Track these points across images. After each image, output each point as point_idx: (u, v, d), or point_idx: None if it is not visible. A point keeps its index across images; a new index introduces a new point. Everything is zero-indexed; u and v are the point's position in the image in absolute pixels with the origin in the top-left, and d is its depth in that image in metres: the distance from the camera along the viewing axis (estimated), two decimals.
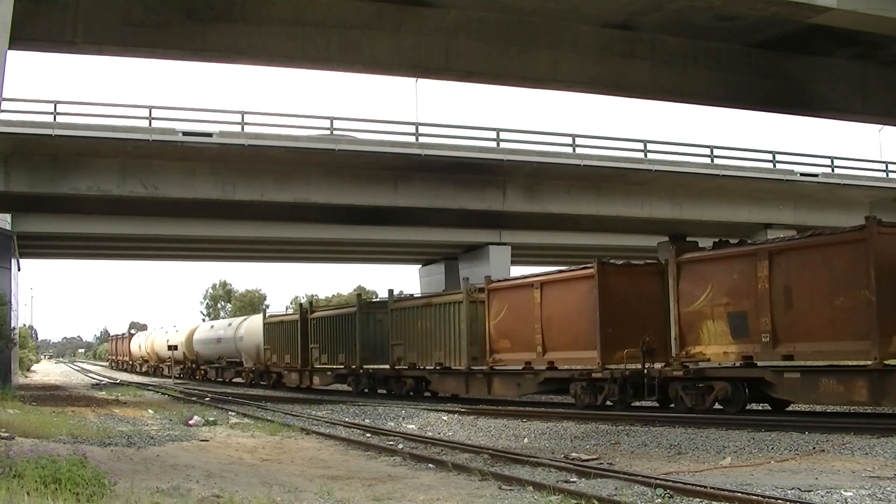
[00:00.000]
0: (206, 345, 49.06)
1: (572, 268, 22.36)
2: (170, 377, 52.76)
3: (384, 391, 29.77)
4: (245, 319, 44.74)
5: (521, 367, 23.23)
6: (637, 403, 20.59)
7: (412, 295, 31.28)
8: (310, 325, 34.74)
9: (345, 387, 32.91)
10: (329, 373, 33.12)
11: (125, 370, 76.54)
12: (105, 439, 16.75)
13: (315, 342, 34.14)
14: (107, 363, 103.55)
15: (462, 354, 25.10)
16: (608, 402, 20.37)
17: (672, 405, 19.25)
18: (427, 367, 26.96)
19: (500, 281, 25.24)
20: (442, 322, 26.15)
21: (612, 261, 21.60)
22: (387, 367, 29.01)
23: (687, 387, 18.61)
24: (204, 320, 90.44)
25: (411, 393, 27.77)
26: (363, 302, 32.26)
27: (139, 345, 67.97)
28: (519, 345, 23.11)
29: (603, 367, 20.28)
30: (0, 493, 8.55)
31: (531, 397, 25.07)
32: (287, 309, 51.17)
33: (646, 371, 19.52)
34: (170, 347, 52.71)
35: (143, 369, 66.79)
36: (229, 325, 46.62)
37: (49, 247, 44.76)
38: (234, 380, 44.87)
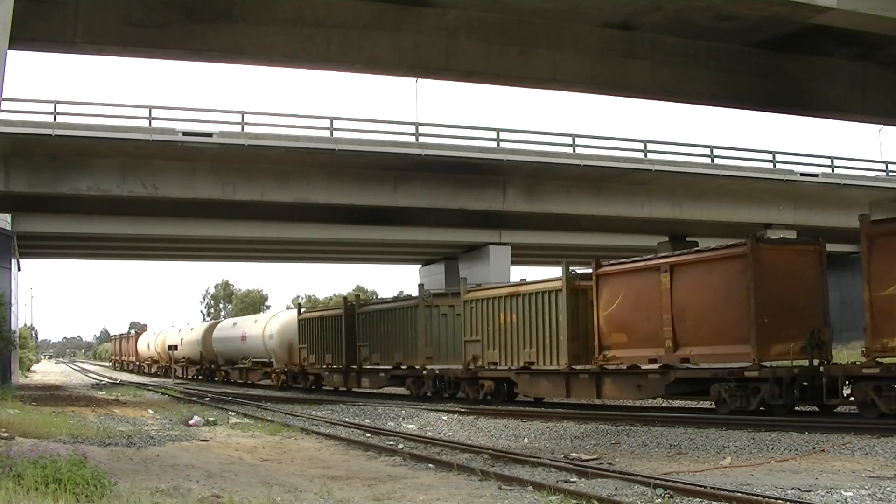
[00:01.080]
0: (227, 344, 45.03)
1: (714, 246, 19.46)
2: (183, 379, 50.47)
3: (454, 395, 26.00)
4: (275, 315, 41.05)
5: (642, 366, 19.80)
6: (800, 408, 17.91)
7: (486, 284, 27.74)
8: (357, 321, 31.19)
9: (402, 390, 29.12)
10: (382, 374, 29.33)
11: (131, 371, 72.56)
12: (105, 439, 16.75)
13: (364, 340, 30.60)
14: (109, 363, 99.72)
15: (560, 352, 21.56)
16: (761, 408, 17.12)
17: (854, 410, 16.34)
18: (512, 367, 23.42)
19: (613, 264, 21.02)
20: (533, 314, 22.58)
21: (767, 237, 19.50)
22: (457, 367, 25.53)
23: (882, 388, 15.45)
24: (204, 320, 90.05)
25: (489, 397, 24.21)
26: (427, 293, 28.42)
27: (148, 344, 64.00)
28: (639, 339, 19.53)
29: (759, 364, 16.98)
30: (0, 494, 8.55)
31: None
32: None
33: (821, 368, 16.58)
34: (169, 347, 50.99)
35: (153, 370, 63.19)
36: (255, 321, 42.71)
37: (49, 247, 44.76)
38: (260, 382, 41.31)
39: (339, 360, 32.04)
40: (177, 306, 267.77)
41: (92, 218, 35.42)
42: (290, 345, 36.94)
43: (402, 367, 28.29)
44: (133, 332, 78.49)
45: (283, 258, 53.84)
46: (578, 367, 21.32)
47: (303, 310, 37.47)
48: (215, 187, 30.57)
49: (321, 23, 20.98)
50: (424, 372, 27.00)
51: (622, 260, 21.25)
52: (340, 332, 31.98)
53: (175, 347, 51.07)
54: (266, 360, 39.78)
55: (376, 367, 29.77)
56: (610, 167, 33.48)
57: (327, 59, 21.64)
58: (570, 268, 21.95)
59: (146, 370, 65.15)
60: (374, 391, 30.89)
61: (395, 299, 31.20)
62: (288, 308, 70.63)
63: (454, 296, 27.55)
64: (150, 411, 25.12)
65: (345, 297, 33.24)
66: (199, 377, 50.06)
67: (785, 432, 14.94)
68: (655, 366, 19.28)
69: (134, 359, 71.21)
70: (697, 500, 9.65)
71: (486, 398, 24.16)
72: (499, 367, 23.96)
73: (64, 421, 20.50)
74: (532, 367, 22.74)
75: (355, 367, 31.03)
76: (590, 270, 21.24)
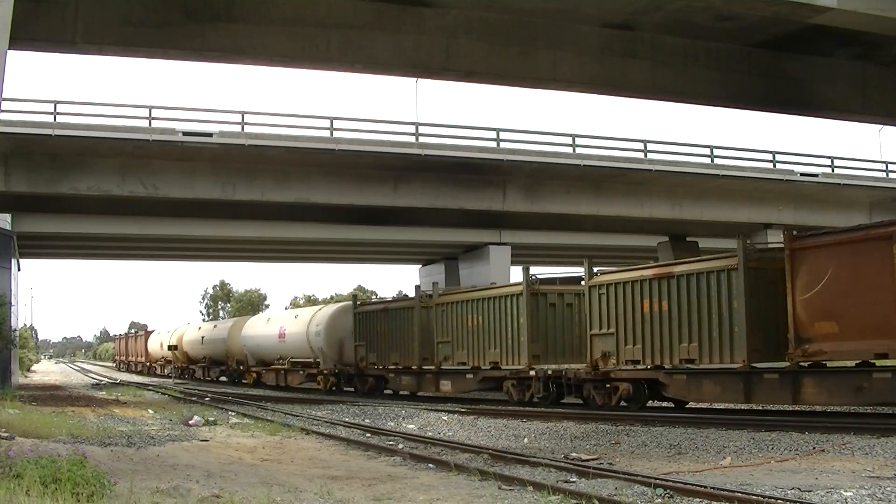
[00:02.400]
0: (260, 342, 40.02)
1: None
2: (203, 380, 47.36)
3: (574, 399, 22.33)
4: (322, 309, 36.28)
5: (865, 363, 16.09)
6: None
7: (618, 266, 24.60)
8: (436, 314, 26.78)
9: (499, 395, 25.05)
10: (469, 376, 25.28)
11: (139, 372, 67.04)
12: (105, 439, 16.75)
13: (446, 336, 26.14)
14: (113, 364, 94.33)
15: (735, 346, 17.65)
16: None
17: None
18: (663, 366, 19.39)
19: (816, 235, 17.16)
20: (694, 300, 18.65)
21: None
22: (579, 366, 21.86)
23: None
24: (204, 320, 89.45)
25: (623, 402, 20.41)
26: (533, 278, 23.86)
27: (161, 343, 58.19)
28: (859, 329, 15.74)
29: None
30: (0, 493, 8.55)
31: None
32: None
33: None
34: (187, 346, 48.12)
35: (165, 371, 57.82)
36: (296, 316, 38.01)
37: (49, 247, 44.76)
38: (301, 385, 36.57)
39: (410, 359, 28.00)
40: (177, 306, 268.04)
41: (92, 218, 35.42)
42: (340, 342, 32.79)
43: (500, 367, 24.08)
44: (142, 330, 71.47)
45: (283, 258, 53.84)
46: (762, 364, 17.42)
47: (359, 301, 33.59)
48: (215, 187, 30.57)
49: (321, 23, 21.00)
50: (532, 373, 22.69)
51: (827, 229, 17.92)
52: (411, 327, 28.09)
53: (195, 347, 47.81)
54: (310, 360, 35.10)
55: (461, 367, 25.51)
56: (610, 167, 33.48)
57: (327, 59, 21.65)
58: (748, 241, 18.61)
59: (158, 371, 60.21)
60: (460, 395, 26.65)
61: (487, 287, 26.38)
62: (330, 301, 66.53)
63: (567, 281, 24.25)
64: (150, 411, 25.12)
65: (417, 286, 28.75)
66: (224, 379, 45.65)
67: (785, 432, 14.95)
68: (888, 362, 15.63)
69: (143, 359, 65.83)
70: (697, 500, 9.65)
71: (620, 404, 20.36)
72: (639, 367, 19.99)
73: (64, 421, 20.50)
74: (692, 366, 18.74)
75: (432, 367, 26.73)
76: (773, 245, 18.22)
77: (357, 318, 31.81)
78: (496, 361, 24.12)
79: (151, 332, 65.64)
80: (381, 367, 29.90)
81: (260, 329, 40.75)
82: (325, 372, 33.61)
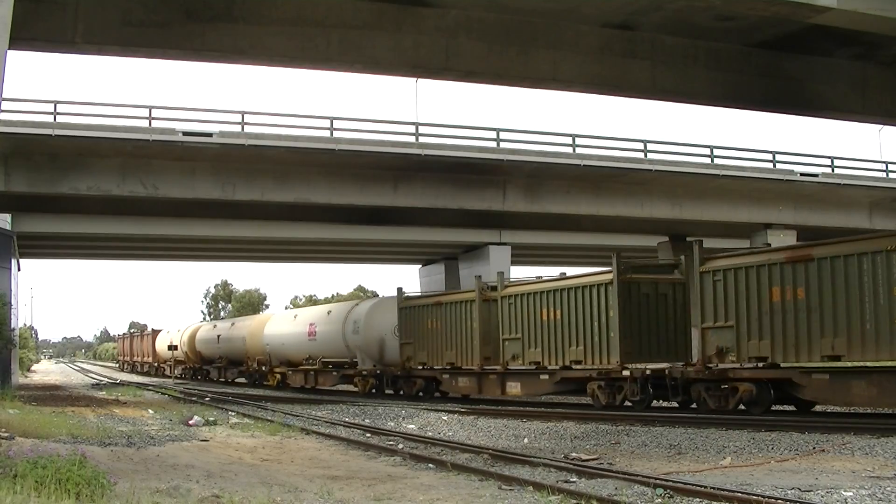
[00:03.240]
0: (286, 340, 37.10)
1: None
2: (219, 381, 45.16)
3: (667, 402, 20.15)
4: (359, 304, 33.35)
5: None
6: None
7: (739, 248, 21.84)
8: (501, 308, 24.03)
9: (581, 398, 22.66)
10: (545, 377, 22.51)
11: (145, 373, 64.61)
12: (105, 439, 16.74)
13: (514, 332, 23.40)
14: (116, 365, 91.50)
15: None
16: None
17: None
18: (799, 364, 16.85)
19: None
20: (837, 287, 16.02)
21: None
22: (674, 365, 19.43)
23: None
24: (205, 320, 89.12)
25: (742, 405, 17.98)
26: (624, 265, 20.83)
27: (170, 342, 55.34)
28: None
29: None
30: (0, 494, 8.55)
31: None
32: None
33: None
34: (201, 345, 46.07)
35: (176, 372, 54.85)
36: (329, 312, 34.81)
37: (49, 247, 44.76)
38: (334, 387, 34.01)
39: (469, 358, 25.30)
40: (177, 306, 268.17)
41: (92, 218, 35.42)
42: (381, 340, 30.00)
43: (583, 367, 21.37)
44: (144, 329, 67.36)
45: (283, 258, 53.81)
46: None
47: (405, 294, 29.80)
48: (215, 187, 30.56)
49: (321, 23, 21.00)
50: (625, 373, 20.02)
51: None
52: (470, 323, 25.34)
53: (209, 346, 45.43)
54: (345, 360, 32.20)
55: (534, 367, 22.91)
56: (610, 167, 33.48)
57: (327, 59, 21.66)
58: None
59: (168, 372, 57.05)
60: (529, 399, 24.26)
61: (567, 277, 23.17)
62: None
63: (662, 268, 21.76)
64: (150, 411, 25.12)
65: (478, 277, 25.85)
66: (242, 381, 43.05)
67: (785, 432, 14.95)
68: None
69: (150, 359, 62.79)
70: (697, 500, 9.65)
71: (738, 407, 17.95)
72: (766, 366, 17.39)
73: (64, 421, 20.50)
74: (837, 364, 16.25)
75: (496, 368, 24.18)
76: None
77: (403, 314, 28.60)
78: (578, 360, 21.32)
79: (159, 330, 62.23)
80: (432, 367, 27.00)
81: (285, 327, 37.73)
82: (363, 373, 30.73)
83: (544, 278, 24.21)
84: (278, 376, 37.90)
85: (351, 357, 31.71)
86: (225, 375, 45.31)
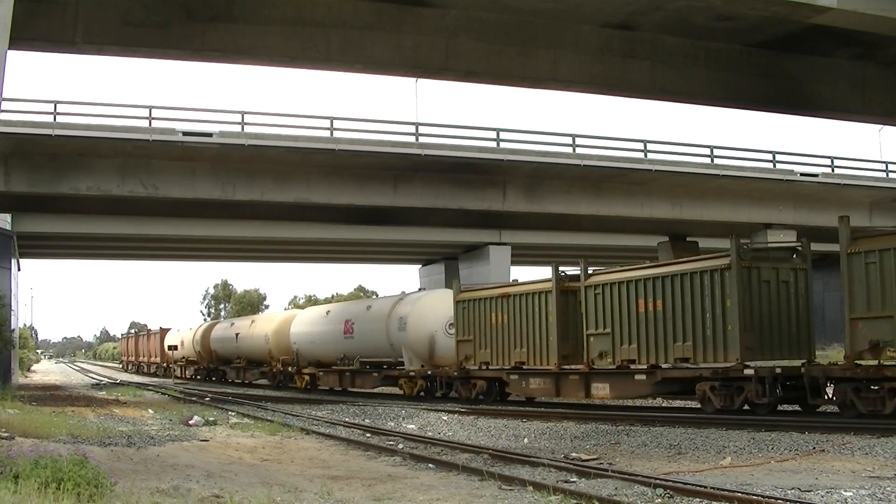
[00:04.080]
0: (316, 339, 33.94)
1: None
2: (237, 383, 42.52)
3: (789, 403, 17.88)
4: (403, 298, 29.79)
5: None
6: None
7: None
8: (586, 300, 21.06)
9: (689, 402, 20.21)
10: (642, 377, 19.51)
11: (151, 374, 61.47)
12: (105, 439, 16.74)
13: (602, 327, 20.61)
14: (119, 365, 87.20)
15: None
16: None
17: None
18: None
19: None
20: None
21: None
22: (812, 361, 17.51)
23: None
24: (205, 320, 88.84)
25: None
26: (745, 247, 18.37)
27: (180, 341, 52.31)
28: None
29: None
30: (0, 493, 8.55)
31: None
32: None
33: None
34: (214, 344, 43.44)
35: (187, 373, 51.91)
36: (369, 308, 31.60)
37: (49, 247, 44.78)
38: (374, 389, 31.08)
39: (543, 357, 22.35)
40: (177, 306, 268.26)
41: (92, 218, 35.44)
42: (431, 338, 27.22)
43: (690, 365, 18.60)
44: (158, 328, 62.42)
45: (283, 258, 53.85)
46: None
47: (462, 286, 26.51)
48: (215, 187, 30.57)
49: (321, 23, 21.02)
50: (748, 372, 17.29)
51: None
52: (544, 317, 22.39)
53: (227, 345, 43.01)
54: (387, 359, 29.36)
55: (628, 367, 20.03)
56: (610, 167, 33.50)
57: (327, 59, 21.68)
58: None
59: (178, 373, 53.97)
60: (614, 402, 21.96)
61: (667, 263, 20.96)
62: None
63: (781, 252, 19.21)
64: (150, 411, 25.12)
65: (555, 265, 22.58)
66: (264, 382, 39.72)
67: (785, 432, 14.94)
68: None
69: (158, 359, 59.46)
70: (697, 500, 9.64)
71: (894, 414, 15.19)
72: None
73: (64, 421, 20.49)
74: None
75: (579, 367, 21.28)
76: None
77: (460, 308, 25.25)
78: (685, 358, 18.62)
79: (168, 329, 59.20)
80: (497, 367, 23.98)
81: (316, 324, 34.41)
82: (410, 374, 27.54)
83: (642, 265, 20.97)
84: (307, 378, 34.90)
85: (395, 357, 28.71)
86: (244, 377, 41.91)
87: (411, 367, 27.50)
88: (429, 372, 26.86)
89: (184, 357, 51.88)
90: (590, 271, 21.54)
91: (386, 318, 28.92)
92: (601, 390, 20.76)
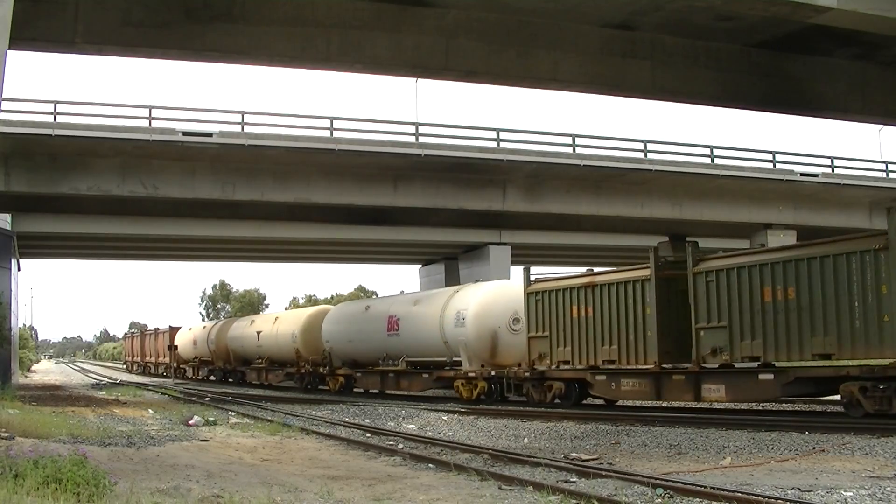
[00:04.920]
0: (354, 337, 31.29)
1: None
2: (259, 384, 40.00)
3: None
4: (459, 291, 26.91)
5: None
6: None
7: None
8: (696, 287, 18.64)
9: (819, 404, 19.08)
10: (768, 376, 17.22)
11: (160, 375, 58.78)
12: (105, 439, 16.74)
13: (717, 319, 18.13)
14: (123, 366, 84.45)
15: None
16: None
17: None
18: None
19: None
20: None
21: None
22: None
23: None
24: (204, 320, 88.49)
25: None
26: None
27: (193, 341, 50.03)
28: None
29: None
30: (0, 493, 8.55)
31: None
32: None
33: None
34: (231, 342, 41.50)
35: (199, 374, 49.49)
36: (416, 302, 28.72)
37: (49, 247, 44.76)
38: (422, 393, 28.41)
39: (639, 355, 19.85)
40: (177, 306, 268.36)
41: (92, 218, 35.42)
42: (494, 335, 24.54)
43: (833, 363, 16.36)
44: (168, 327, 59.75)
45: (283, 258, 53.81)
46: None
47: (535, 278, 23.36)
48: (215, 187, 30.57)
49: (321, 23, 21.01)
50: None
51: None
52: (641, 310, 19.87)
53: (248, 344, 40.41)
54: (440, 359, 26.49)
55: (753, 364, 17.68)
56: (610, 167, 33.50)
57: (327, 59, 21.67)
58: None
59: (190, 374, 51.54)
60: (740, 406, 20.00)
61: (800, 244, 18.86)
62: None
63: None
64: (150, 411, 25.12)
65: (653, 248, 21.05)
66: (291, 384, 36.95)
67: (785, 432, 14.95)
68: None
69: (167, 359, 56.72)
70: (697, 500, 9.65)
71: None
72: None
73: (64, 421, 20.50)
74: None
75: (687, 366, 18.90)
76: None
77: (533, 300, 22.63)
78: (827, 354, 16.28)
79: (178, 328, 56.89)
80: (580, 366, 21.33)
81: (353, 321, 31.87)
82: (469, 375, 24.62)
83: (764, 247, 18.78)
84: (341, 380, 32.25)
85: (450, 356, 25.81)
86: (266, 378, 39.09)
87: (470, 367, 24.66)
88: (492, 373, 23.87)
89: (196, 357, 49.57)
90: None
91: (439, 313, 26.08)
92: (715, 392, 18.25)
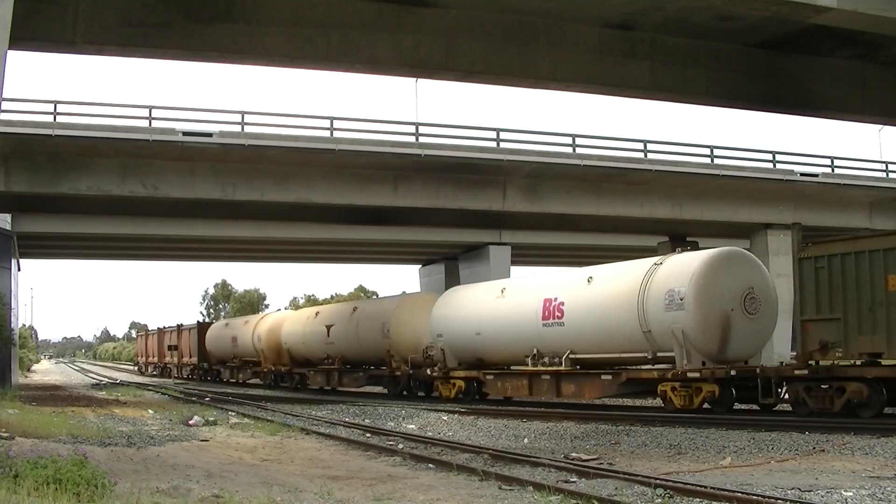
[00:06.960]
0: (489, 330, 24.47)
1: None
2: (328, 389, 34.06)
3: None
4: (668, 260, 20.49)
5: None
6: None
7: None
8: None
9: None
10: None
11: (185, 378, 52.54)
12: (105, 439, 16.74)
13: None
14: (134, 367, 78.48)
15: None
16: None
17: None
18: None
19: None
20: None
21: None
22: None
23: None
24: (205, 320, 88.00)
25: None
26: None
27: (231, 338, 44.18)
28: None
29: None
30: (0, 493, 8.55)
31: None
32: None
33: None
34: (284, 340, 36.15)
35: (240, 377, 43.62)
36: (590, 279, 21.89)
37: (49, 247, 44.76)
38: (608, 398, 21.87)
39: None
40: (177, 307, 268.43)
41: (92, 218, 35.42)
42: (725, 319, 18.84)
43: None
44: (196, 322, 54.15)
45: (283, 258, 53.80)
46: None
47: (815, 240, 17.53)
48: (215, 187, 30.55)
49: (321, 23, 21.04)
50: None
51: None
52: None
53: (311, 341, 34.52)
54: (639, 354, 20.14)
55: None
56: (610, 167, 33.46)
57: (327, 59, 21.71)
58: None
59: (228, 378, 45.80)
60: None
61: None
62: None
63: None
64: (150, 411, 25.12)
65: None
66: (381, 390, 31.22)
67: (785, 432, 14.95)
68: None
69: (195, 360, 50.96)
70: (697, 500, 9.64)
71: None
72: None
73: (64, 421, 20.49)
74: None
75: None
76: None
77: (812, 268, 16.90)
78: None
79: (209, 323, 52.10)
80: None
81: (485, 306, 24.98)
82: (690, 376, 18.62)
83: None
84: (460, 384, 25.55)
85: (653, 350, 19.76)
86: (340, 382, 32.69)
87: (691, 365, 18.68)
88: (732, 373, 18.20)
89: (236, 357, 43.62)
90: None
91: (637, 294, 19.93)
92: None
